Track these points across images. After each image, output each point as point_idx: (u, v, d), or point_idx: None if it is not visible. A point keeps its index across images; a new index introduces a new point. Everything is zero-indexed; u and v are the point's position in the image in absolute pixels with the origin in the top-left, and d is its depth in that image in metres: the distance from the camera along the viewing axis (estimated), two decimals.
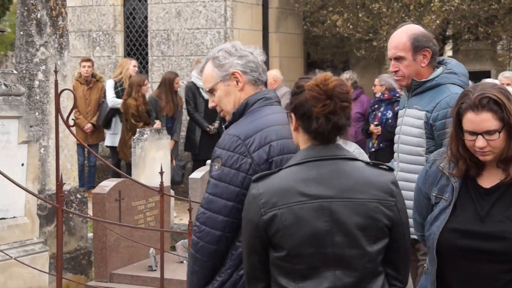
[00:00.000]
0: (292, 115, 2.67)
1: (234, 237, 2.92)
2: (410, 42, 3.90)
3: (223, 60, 3.10)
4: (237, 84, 3.09)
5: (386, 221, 2.60)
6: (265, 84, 3.18)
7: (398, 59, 3.96)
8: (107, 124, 10.99)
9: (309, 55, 16.69)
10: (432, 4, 12.57)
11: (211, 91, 3.14)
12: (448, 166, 2.87)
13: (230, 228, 2.90)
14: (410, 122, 3.98)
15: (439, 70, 3.94)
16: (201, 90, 10.58)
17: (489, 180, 2.84)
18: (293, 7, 14.42)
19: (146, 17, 12.91)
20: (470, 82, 3.98)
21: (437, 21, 12.62)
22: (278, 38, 14.15)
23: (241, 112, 3.06)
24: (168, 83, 10.52)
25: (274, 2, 13.99)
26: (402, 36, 3.95)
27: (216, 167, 2.94)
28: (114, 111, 10.89)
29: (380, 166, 2.69)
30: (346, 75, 10.51)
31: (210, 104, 3.20)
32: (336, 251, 2.54)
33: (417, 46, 3.90)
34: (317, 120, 2.59)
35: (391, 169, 2.70)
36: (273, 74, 10.79)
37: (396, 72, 4.01)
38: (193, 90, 10.74)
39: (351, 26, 13.41)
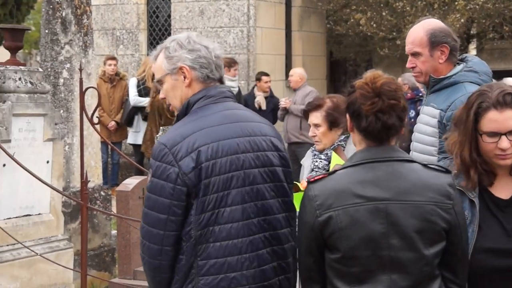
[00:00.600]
0: (347, 115, 2.66)
1: (177, 250, 2.75)
2: (427, 37, 3.75)
3: (173, 52, 2.90)
4: (184, 79, 2.88)
5: (443, 224, 2.54)
6: (219, 81, 2.92)
7: (414, 54, 3.81)
8: (130, 122, 11.04)
9: (331, 54, 16.65)
10: (456, 3, 12.50)
11: (159, 82, 2.96)
12: (456, 179, 2.72)
13: (167, 241, 2.72)
14: (425, 120, 3.90)
15: (459, 67, 3.79)
16: None
17: (504, 190, 2.74)
18: (316, 6, 14.38)
19: (169, 16, 12.96)
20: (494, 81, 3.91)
21: (462, 20, 12.55)
22: (301, 37, 14.13)
23: (184, 112, 2.87)
24: None
25: (297, 1, 13.97)
26: (419, 31, 3.81)
27: (148, 178, 2.79)
28: (136, 109, 10.93)
29: (437, 168, 2.63)
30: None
31: (160, 95, 3.03)
32: (392, 254, 2.50)
33: (434, 42, 3.75)
34: (367, 119, 2.57)
35: (448, 171, 2.64)
36: (299, 72, 10.79)
37: (413, 68, 3.91)
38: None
39: (374, 25, 13.37)
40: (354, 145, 2.71)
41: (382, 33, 13.40)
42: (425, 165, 2.63)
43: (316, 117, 4.12)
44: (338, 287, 2.56)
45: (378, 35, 13.53)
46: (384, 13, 13.32)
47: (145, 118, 10.82)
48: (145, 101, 10.76)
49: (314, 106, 4.15)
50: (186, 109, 2.87)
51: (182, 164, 2.69)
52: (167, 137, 2.77)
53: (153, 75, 11.13)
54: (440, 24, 3.84)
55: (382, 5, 13.54)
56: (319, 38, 14.82)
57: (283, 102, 10.37)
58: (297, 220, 2.82)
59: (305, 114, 4.24)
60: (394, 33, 13.56)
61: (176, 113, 2.98)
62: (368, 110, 2.55)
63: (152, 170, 2.75)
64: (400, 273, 2.50)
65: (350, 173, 2.59)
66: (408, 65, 3.88)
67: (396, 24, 13.41)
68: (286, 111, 10.36)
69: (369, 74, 2.61)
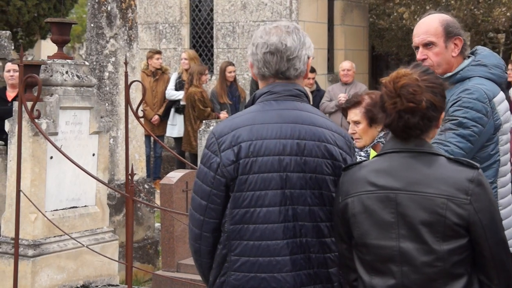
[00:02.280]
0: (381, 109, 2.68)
1: (217, 238, 2.77)
2: (442, 27, 3.53)
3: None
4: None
5: (456, 220, 2.48)
6: (278, 76, 2.82)
7: (427, 45, 3.54)
8: (166, 115, 11.17)
9: (374, 48, 16.53)
10: None
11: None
12: None
13: (206, 227, 2.76)
14: None
15: (467, 61, 3.55)
16: None
17: None
18: (359, 0, 14.29)
19: (211, 10, 12.98)
20: None
21: (508, 14, 12.34)
22: (344, 31, 14.05)
23: (250, 105, 2.87)
24: (220, 72, 10.72)
25: None
26: (433, 21, 3.58)
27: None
28: (172, 103, 11.07)
29: (464, 162, 2.58)
30: None
31: None
32: (401, 245, 2.50)
33: (450, 32, 3.53)
34: (390, 116, 2.57)
35: (474, 167, 2.57)
36: (347, 66, 10.70)
37: (423, 60, 3.72)
38: (256, 82, 10.83)
39: (418, 19, 13.22)
40: None
41: None
42: (451, 159, 2.59)
43: (355, 114, 4.06)
44: (360, 274, 2.60)
45: None
46: (428, 7, 13.14)
47: (177, 111, 10.97)
48: (177, 95, 10.92)
49: (352, 103, 4.09)
50: (252, 102, 2.86)
51: (223, 156, 2.71)
52: (219, 126, 2.80)
53: (186, 70, 11.30)
54: (452, 17, 3.66)
55: None
56: (362, 32, 14.72)
57: (343, 97, 10.09)
58: None
59: (344, 111, 4.18)
60: None
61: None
62: (390, 109, 2.56)
63: (201, 156, 2.80)
64: (410, 265, 2.49)
65: (371, 163, 2.64)
66: (419, 56, 3.64)
67: None
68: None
69: (394, 72, 2.59)
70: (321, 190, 2.75)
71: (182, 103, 10.87)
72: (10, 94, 7.44)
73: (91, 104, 5.48)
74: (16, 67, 7.00)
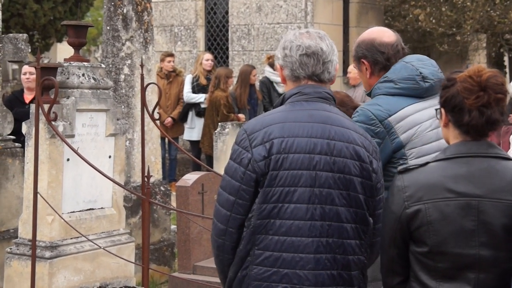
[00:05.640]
0: (442, 110, 2.60)
1: (241, 234, 2.79)
2: (354, 51, 3.51)
3: (278, 48, 2.96)
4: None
5: None
6: (311, 78, 2.87)
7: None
8: (184, 118, 11.15)
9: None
10: None
11: None
12: None
13: (233, 223, 2.79)
14: None
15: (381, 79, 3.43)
16: (275, 84, 10.66)
17: None
18: (374, 1, 14.26)
19: (227, 12, 13.00)
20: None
21: None
22: (359, 33, 13.97)
23: (279, 106, 2.92)
24: (243, 76, 10.62)
25: None
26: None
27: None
28: (190, 106, 11.04)
29: None
30: None
31: None
32: (481, 253, 2.45)
33: (353, 56, 3.52)
34: (470, 113, 2.50)
35: None
36: (352, 68, 10.70)
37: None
38: (267, 85, 10.86)
39: (433, 20, 13.19)
40: (445, 139, 2.65)
41: (442, 28, 13.21)
42: None
43: None
44: (423, 281, 2.52)
45: (437, 30, 13.34)
46: (443, 9, 13.12)
47: (197, 114, 10.94)
48: (197, 98, 10.89)
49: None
50: (281, 103, 2.91)
51: (255, 152, 2.74)
52: (250, 123, 2.84)
53: (206, 71, 11.37)
54: (370, 34, 3.48)
55: (441, 0, 13.34)
56: None
57: None
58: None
59: None
60: (454, 29, 13.35)
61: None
62: (471, 104, 2.49)
63: (231, 153, 2.82)
64: (488, 272, 2.45)
65: (443, 167, 2.53)
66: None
67: (456, 19, 13.21)
68: None
69: (472, 67, 2.53)
70: (348, 191, 2.77)
71: (203, 106, 10.82)
72: (28, 96, 7.48)
73: (108, 107, 5.49)
74: (32, 69, 7.04)
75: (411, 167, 2.60)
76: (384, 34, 3.47)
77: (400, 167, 2.64)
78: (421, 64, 3.39)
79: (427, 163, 2.58)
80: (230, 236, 2.80)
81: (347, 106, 3.69)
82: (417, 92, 3.32)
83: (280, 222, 2.72)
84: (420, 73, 3.34)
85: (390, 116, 3.23)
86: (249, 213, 2.76)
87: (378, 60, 3.41)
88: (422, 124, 3.26)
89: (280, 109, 2.87)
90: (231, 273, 2.82)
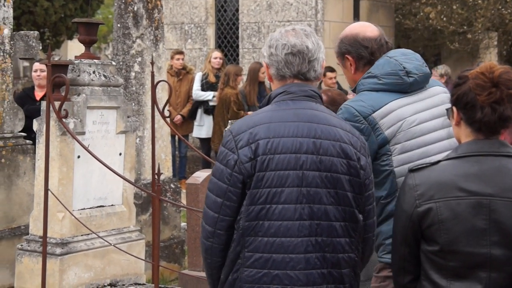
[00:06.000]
0: (454, 108, 2.58)
1: (230, 236, 2.78)
2: (337, 47, 3.46)
3: (265, 46, 2.96)
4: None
5: None
6: (296, 77, 2.87)
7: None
8: (192, 116, 11.18)
9: (399, 48, 16.46)
10: None
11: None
12: None
13: (221, 225, 2.77)
14: None
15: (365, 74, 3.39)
16: None
17: None
18: (385, 0, 14.24)
19: (237, 10, 13.01)
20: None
21: None
22: None
23: (265, 105, 2.90)
24: (252, 74, 10.60)
25: None
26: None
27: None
28: (199, 103, 11.05)
29: None
30: (441, 70, 10.27)
31: None
32: (493, 252, 2.44)
33: (337, 52, 3.46)
34: (482, 110, 2.49)
35: None
36: None
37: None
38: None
39: (444, 18, 13.15)
40: (457, 138, 2.63)
41: (452, 26, 13.17)
42: None
43: None
44: (434, 279, 2.51)
45: (448, 29, 13.29)
46: (454, 6, 13.08)
47: (206, 112, 10.96)
48: (205, 95, 10.90)
49: None
50: (268, 102, 2.89)
51: (241, 153, 2.72)
52: (236, 125, 2.81)
53: (215, 69, 11.39)
54: (353, 30, 3.44)
55: None
56: (387, 32, 14.65)
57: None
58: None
59: None
60: (465, 27, 13.31)
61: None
62: (484, 101, 2.48)
63: (218, 154, 2.81)
64: (499, 272, 2.44)
65: (454, 165, 2.52)
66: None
67: (467, 17, 13.17)
68: None
69: (483, 64, 2.52)
70: (336, 189, 2.75)
71: (211, 103, 10.85)
72: (38, 93, 7.50)
73: (118, 104, 5.50)
74: (43, 67, 7.06)
75: (422, 165, 2.58)
76: (367, 29, 3.44)
77: (411, 166, 2.63)
78: (405, 59, 3.35)
79: (438, 161, 2.57)
80: (218, 238, 2.78)
81: (338, 105, 3.66)
82: (401, 87, 3.29)
83: (268, 223, 2.71)
84: (404, 68, 3.29)
85: (374, 112, 3.20)
86: (237, 215, 2.75)
87: (362, 55, 3.38)
88: (406, 119, 3.23)
89: (266, 109, 2.85)
90: (223, 276, 2.81)
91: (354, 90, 3.43)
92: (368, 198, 2.85)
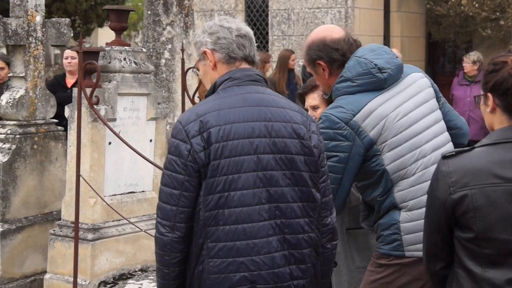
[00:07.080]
0: (489, 95, 2.54)
1: (190, 229, 2.70)
2: (307, 55, 3.40)
3: (198, 38, 2.91)
4: (210, 63, 2.87)
5: None
6: (246, 59, 2.87)
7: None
8: None
9: (430, 35, 16.30)
10: None
11: (198, 70, 2.99)
12: None
13: (180, 217, 2.68)
14: None
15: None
16: None
17: None
18: None
19: None
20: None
21: None
22: (400, 18, 13.89)
23: (211, 94, 2.85)
24: (282, 61, 10.57)
25: None
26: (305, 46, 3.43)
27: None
28: None
29: None
30: (473, 57, 10.15)
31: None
32: None
33: (307, 61, 3.41)
34: None
35: None
36: (394, 52, 10.60)
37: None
38: (305, 69, 10.81)
39: (476, 5, 13.00)
40: (489, 126, 2.62)
41: (485, 13, 13.01)
42: None
43: (313, 99, 3.84)
44: (468, 266, 2.49)
45: (480, 15, 13.14)
46: None
47: None
48: None
49: (310, 87, 3.86)
50: (213, 90, 2.86)
51: (193, 142, 2.68)
52: (185, 115, 2.78)
53: None
54: (318, 34, 3.38)
55: None
56: (418, 18, 14.52)
57: None
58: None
59: (301, 97, 3.95)
60: (498, 13, 13.14)
61: None
62: None
63: (168, 147, 2.77)
64: None
65: (489, 152, 2.49)
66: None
67: (500, 3, 13.00)
68: None
69: None
70: (291, 170, 2.74)
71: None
72: (70, 80, 7.56)
73: (148, 91, 5.53)
74: (74, 54, 7.10)
75: (455, 152, 2.55)
76: (332, 31, 3.39)
77: (443, 152, 2.61)
78: (374, 55, 3.30)
79: (472, 148, 2.54)
80: (178, 231, 2.69)
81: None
82: (376, 85, 3.24)
83: (228, 211, 2.67)
84: (376, 65, 3.25)
85: (354, 115, 3.16)
86: (195, 206, 2.69)
87: (334, 58, 3.33)
88: (388, 116, 3.19)
89: (213, 97, 2.81)
90: (189, 271, 2.75)
91: (330, 97, 3.37)
92: (322, 175, 2.84)
